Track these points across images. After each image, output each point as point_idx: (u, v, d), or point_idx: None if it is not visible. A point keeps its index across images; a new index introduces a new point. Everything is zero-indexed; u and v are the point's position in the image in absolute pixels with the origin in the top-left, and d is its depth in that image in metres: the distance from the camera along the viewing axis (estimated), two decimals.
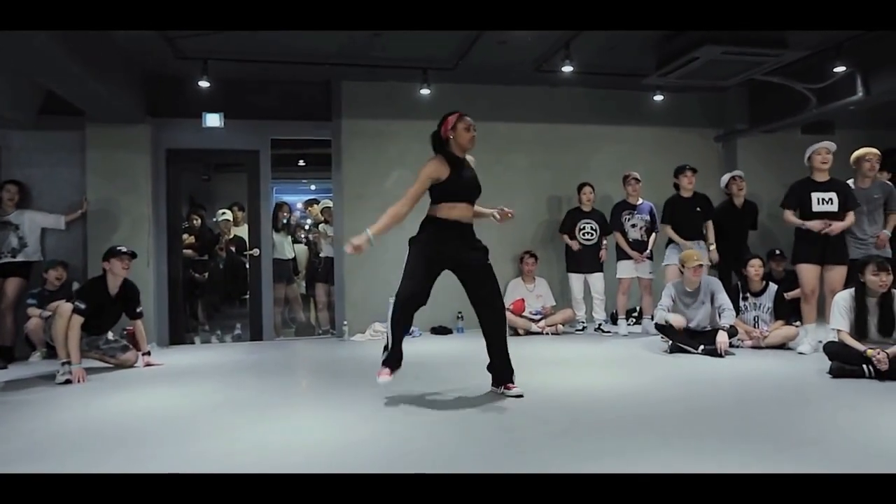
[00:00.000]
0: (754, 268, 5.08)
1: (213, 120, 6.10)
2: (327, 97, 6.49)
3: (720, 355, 4.61)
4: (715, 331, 4.80)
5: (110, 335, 4.91)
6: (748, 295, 5.16)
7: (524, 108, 6.89)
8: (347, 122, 6.47)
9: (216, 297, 6.90)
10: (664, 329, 4.92)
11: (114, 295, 4.70)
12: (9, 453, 2.72)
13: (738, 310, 5.09)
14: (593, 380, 4.02)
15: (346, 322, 6.27)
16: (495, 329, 3.58)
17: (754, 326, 5.08)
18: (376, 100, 6.50)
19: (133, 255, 4.75)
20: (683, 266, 5.04)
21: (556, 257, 6.77)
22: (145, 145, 5.98)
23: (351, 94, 6.47)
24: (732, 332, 4.80)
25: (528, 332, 6.17)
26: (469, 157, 3.62)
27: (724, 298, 4.91)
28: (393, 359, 3.50)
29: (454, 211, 3.43)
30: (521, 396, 3.50)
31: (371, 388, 3.69)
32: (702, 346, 4.72)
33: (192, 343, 6.46)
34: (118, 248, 4.71)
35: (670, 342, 4.87)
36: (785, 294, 5.18)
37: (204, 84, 5.53)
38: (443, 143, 3.51)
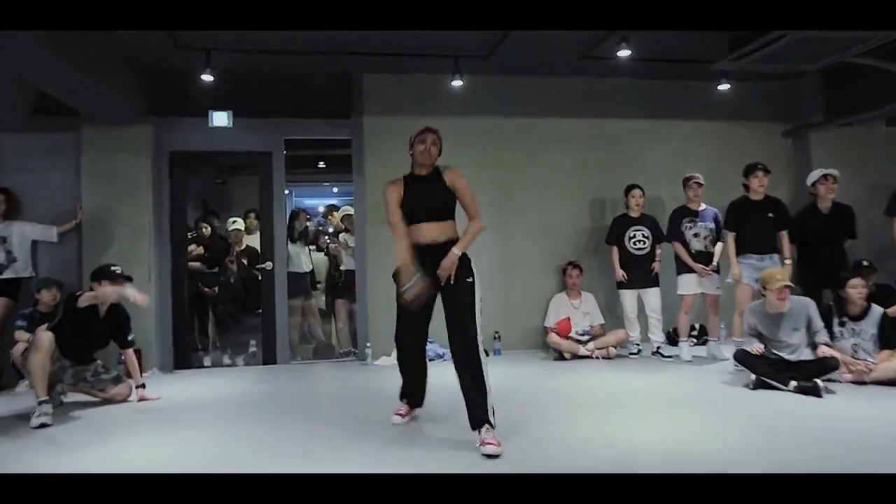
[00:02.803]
0: (856, 289, 4.27)
1: (220, 119, 5.48)
2: (347, 92, 5.82)
3: (818, 394, 3.81)
4: (808, 363, 4.01)
5: (100, 365, 4.30)
6: (846, 319, 4.34)
7: (566, 101, 6.14)
8: (369, 120, 5.79)
9: (227, 313, 6.29)
10: (745, 359, 4.13)
11: (101, 317, 4.14)
12: None
13: (832, 336, 4.29)
14: (666, 430, 3.25)
15: (369, 344, 5.60)
16: (463, 359, 2.97)
17: (853, 356, 4.27)
18: (402, 94, 5.81)
19: (128, 279, 4.15)
20: (765, 288, 4.25)
21: (600, 269, 6.00)
22: (146, 147, 5.38)
23: (373, 88, 5.80)
24: (832, 364, 3.99)
25: (576, 356, 5.42)
26: (449, 167, 3.23)
27: (819, 324, 4.12)
28: (409, 393, 3.41)
29: (419, 233, 3.13)
30: (494, 457, 2.72)
31: (403, 434, 3.03)
32: (793, 383, 3.92)
33: (201, 367, 5.86)
34: (112, 268, 4.11)
35: (754, 376, 4.08)
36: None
37: (207, 78, 4.91)
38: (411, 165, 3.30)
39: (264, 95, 5.66)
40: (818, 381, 3.87)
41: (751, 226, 4.85)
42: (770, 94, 6.46)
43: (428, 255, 3.08)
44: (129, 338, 4.30)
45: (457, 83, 5.33)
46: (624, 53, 4.72)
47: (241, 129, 5.56)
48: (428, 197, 3.14)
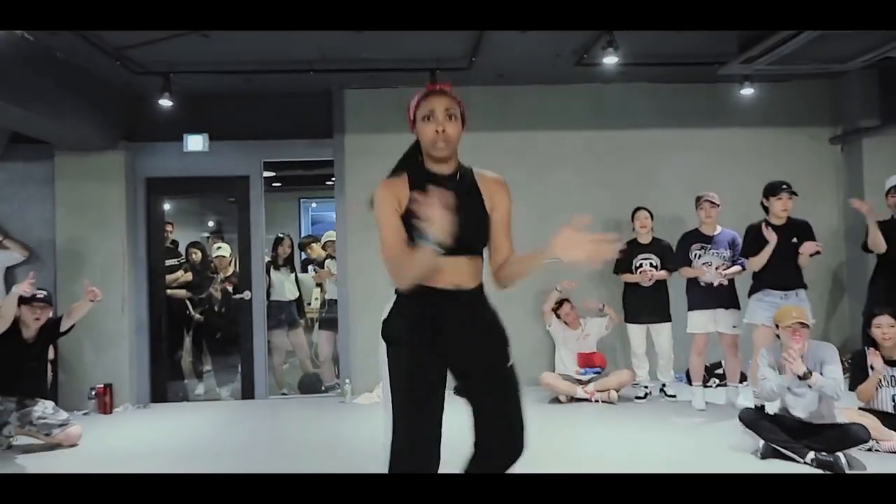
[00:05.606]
0: (881, 329, 3.49)
1: (195, 143, 5.25)
2: (328, 110, 5.47)
3: (841, 470, 3.08)
4: (831, 429, 3.27)
5: (49, 407, 4.12)
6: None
7: (568, 112, 5.54)
8: (351, 138, 5.42)
9: (211, 342, 6.06)
10: (754, 422, 3.42)
11: (31, 339, 4.07)
12: None
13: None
14: None
15: (348, 380, 5.20)
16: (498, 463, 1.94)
17: None
18: (384, 110, 5.36)
19: (48, 303, 4.04)
20: (778, 327, 3.52)
21: (616, 302, 5.33)
22: (118, 174, 5.21)
23: (354, 105, 5.43)
24: (859, 436, 3.22)
25: (573, 399, 4.82)
26: (490, 175, 2.02)
27: (835, 371, 3.34)
28: None
29: (436, 272, 1.82)
30: None
31: None
32: (812, 454, 3.19)
33: (185, 399, 5.69)
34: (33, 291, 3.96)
35: (762, 442, 3.37)
36: None
37: (165, 102, 4.67)
38: (415, 148, 1.97)
39: (242, 117, 5.40)
40: (841, 455, 3.13)
41: (771, 256, 4.09)
42: (815, 95, 5.60)
43: (443, 309, 1.85)
44: (62, 320, 4.18)
45: None
46: (611, 60, 4.10)
47: (217, 153, 5.31)
48: (455, 211, 1.70)
